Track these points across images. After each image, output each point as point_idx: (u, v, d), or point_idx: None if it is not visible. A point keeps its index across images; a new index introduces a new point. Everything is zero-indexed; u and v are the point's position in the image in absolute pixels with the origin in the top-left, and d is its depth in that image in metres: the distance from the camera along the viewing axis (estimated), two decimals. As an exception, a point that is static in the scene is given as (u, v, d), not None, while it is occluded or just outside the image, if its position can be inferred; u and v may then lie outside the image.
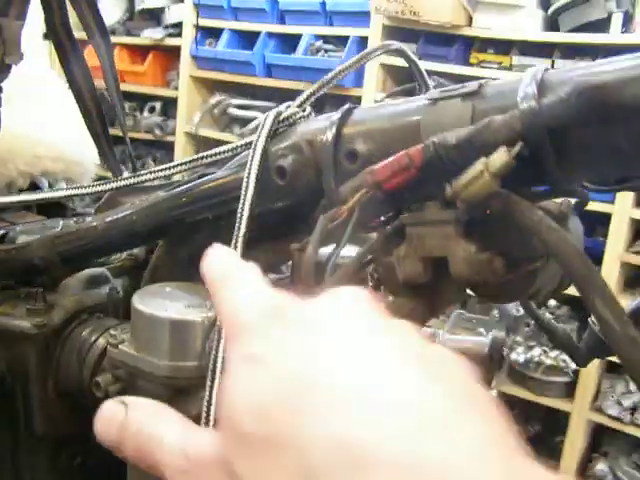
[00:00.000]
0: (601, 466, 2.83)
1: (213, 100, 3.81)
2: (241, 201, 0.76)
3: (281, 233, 0.83)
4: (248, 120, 3.68)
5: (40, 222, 1.18)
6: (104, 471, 0.99)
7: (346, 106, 0.80)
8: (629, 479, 2.76)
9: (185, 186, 0.87)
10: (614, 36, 2.69)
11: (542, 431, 3.07)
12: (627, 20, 2.69)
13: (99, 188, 0.90)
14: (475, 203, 0.63)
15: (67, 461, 0.97)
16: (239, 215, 0.76)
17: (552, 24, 2.88)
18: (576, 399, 2.83)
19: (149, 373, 0.77)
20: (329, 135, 0.76)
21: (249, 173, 0.77)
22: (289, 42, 3.57)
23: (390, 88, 3.27)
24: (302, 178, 0.77)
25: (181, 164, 0.85)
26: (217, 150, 0.84)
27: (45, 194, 0.94)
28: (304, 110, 0.86)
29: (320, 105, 3.44)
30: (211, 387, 0.72)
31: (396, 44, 0.96)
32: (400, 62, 3.04)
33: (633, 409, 2.72)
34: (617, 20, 2.67)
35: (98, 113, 1.21)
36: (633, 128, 0.59)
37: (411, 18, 2.99)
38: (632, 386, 2.74)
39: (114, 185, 0.89)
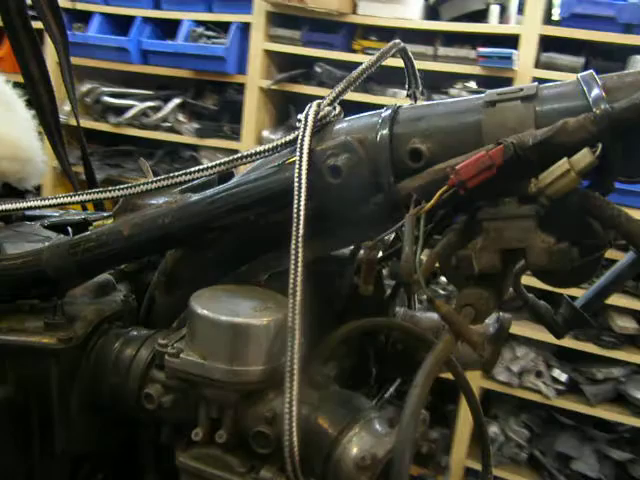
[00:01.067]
0: (493, 429, 3.04)
1: (84, 88, 3.65)
2: (295, 201, 0.78)
3: (330, 227, 0.85)
4: (124, 109, 3.56)
5: (9, 229, 1.12)
6: None
7: (395, 105, 0.83)
8: (519, 437, 2.99)
9: (221, 189, 0.86)
10: (492, 26, 2.87)
11: (435, 401, 3.24)
12: (503, 11, 2.87)
13: (119, 193, 0.87)
14: (557, 199, 0.68)
15: (88, 477, 0.94)
16: (295, 215, 0.77)
17: (433, 13, 3.01)
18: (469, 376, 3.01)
19: (218, 380, 0.77)
20: (384, 133, 0.79)
21: (300, 173, 0.79)
22: (166, 28, 3.49)
23: (273, 75, 3.28)
24: (356, 176, 0.79)
25: (217, 165, 0.85)
26: (258, 149, 0.85)
27: (62, 199, 0.89)
28: (335, 109, 0.87)
29: (200, 93, 3.41)
30: (290, 388, 0.73)
31: (402, 43, 0.99)
32: (283, 49, 3.08)
33: (520, 373, 2.95)
34: (495, 11, 2.85)
35: (52, 107, 1.16)
36: None
37: (297, 5, 3.01)
38: (518, 352, 2.97)
39: (139, 189, 0.87)
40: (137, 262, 1.03)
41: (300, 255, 0.76)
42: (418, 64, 1.04)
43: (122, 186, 0.86)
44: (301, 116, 0.84)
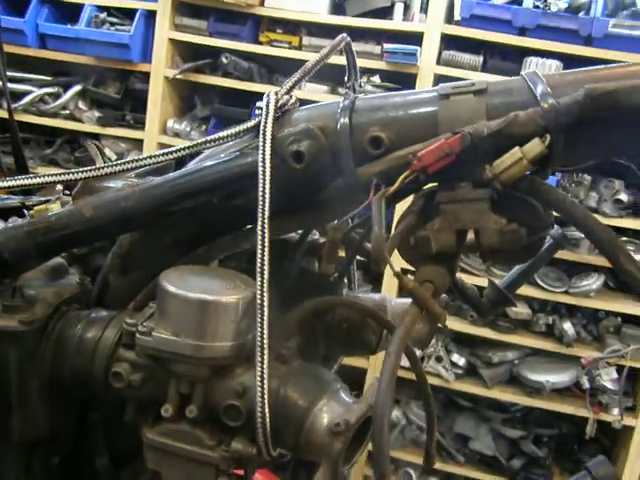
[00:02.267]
0: (395, 412, 3.15)
1: (-24, 71, 3.50)
2: (260, 184, 0.81)
3: (288, 210, 0.88)
4: (20, 94, 3.44)
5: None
6: (81, 470, 0.98)
7: (352, 95, 0.88)
8: (420, 420, 3.12)
9: (184, 172, 0.88)
10: (396, 23, 2.97)
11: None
12: (407, 9, 2.97)
13: (81, 175, 0.88)
14: (509, 184, 0.75)
15: (42, 462, 0.94)
16: (260, 197, 0.81)
17: (339, 9, 3.08)
18: (371, 358, 3.11)
19: (190, 356, 0.79)
20: (344, 122, 0.84)
21: (264, 157, 0.82)
22: (67, 12, 3.39)
23: (179, 64, 3.26)
24: (318, 161, 0.83)
25: (181, 149, 0.87)
26: (220, 134, 0.87)
27: (24, 181, 0.88)
28: (292, 97, 0.91)
29: (102, 80, 3.34)
30: (261, 361, 0.77)
31: (347, 38, 1.04)
32: (189, 38, 3.07)
33: (422, 358, 3.07)
34: (399, 9, 2.95)
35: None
36: (628, 126, 0.76)
37: (205, -5, 3.01)
38: (419, 337, 3.08)
39: (97, 172, 0.88)
40: (86, 246, 1.03)
41: (266, 236, 0.80)
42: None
43: (83, 169, 0.87)
44: (260, 104, 0.88)
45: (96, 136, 3.40)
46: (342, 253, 1.03)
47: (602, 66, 0.81)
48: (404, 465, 3.19)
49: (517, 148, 0.74)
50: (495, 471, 3.13)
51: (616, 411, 2.95)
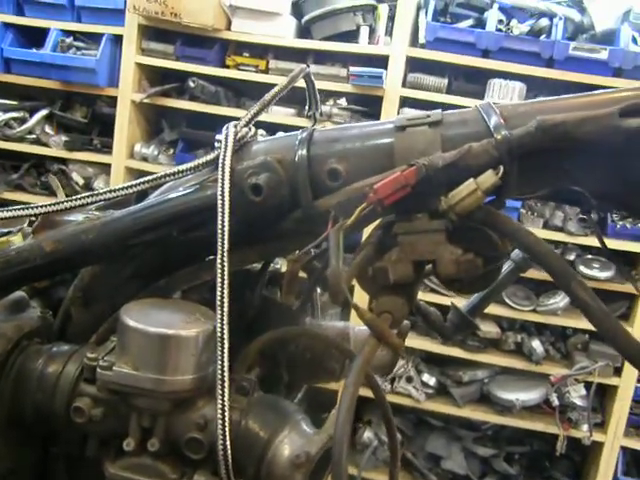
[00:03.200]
0: (367, 434, 3.15)
1: (-62, 96, 3.47)
2: (219, 216, 0.82)
3: (248, 242, 0.89)
4: (-16, 119, 3.41)
5: None
6: None
7: (310, 128, 0.89)
8: (392, 440, 3.11)
9: (144, 205, 0.89)
10: (362, 46, 3.00)
11: (308, 408, 3.32)
12: (372, 33, 3.01)
13: (40, 210, 0.88)
14: (464, 215, 0.77)
15: None
16: (220, 230, 0.82)
17: (305, 32, 3.11)
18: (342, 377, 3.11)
19: (151, 390, 0.79)
20: (302, 154, 0.85)
21: (223, 190, 0.83)
22: (31, 36, 3.38)
23: (146, 88, 3.26)
24: (276, 194, 0.84)
25: (141, 183, 0.88)
26: (180, 168, 0.88)
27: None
28: (250, 129, 0.92)
29: (68, 105, 3.33)
30: (222, 393, 0.78)
31: (307, 69, 1.05)
32: (156, 62, 3.07)
33: (392, 379, 3.08)
34: (364, 32, 2.98)
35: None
36: (579, 155, 0.78)
37: (172, 20, 3.02)
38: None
39: (57, 207, 0.88)
40: (46, 280, 1.02)
41: (226, 268, 0.81)
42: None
43: (43, 203, 0.87)
44: (220, 137, 0.89)
45: (63, 161, 3.37)
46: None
47: (554, 97, 0.83)
48: (377, 486, 3.19)
49: (471, 180, 0.76)
50: (467, 490, 3.13)
51: (585, 427, 2.98)
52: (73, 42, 3.27)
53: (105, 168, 3.32)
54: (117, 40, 3.21)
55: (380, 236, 0.82)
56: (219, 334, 0.79)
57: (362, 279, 0.81)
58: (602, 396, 3.09)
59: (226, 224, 0.81)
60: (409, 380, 3.09)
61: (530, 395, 3.03)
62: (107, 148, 3.32)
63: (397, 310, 0.79)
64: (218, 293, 0.79)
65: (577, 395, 2.99)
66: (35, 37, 3.36)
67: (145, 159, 3.26)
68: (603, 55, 2.77)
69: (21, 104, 3.43)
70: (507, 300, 2.93)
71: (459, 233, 0.79)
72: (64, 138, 3.32)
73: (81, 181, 3.30)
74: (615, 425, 2.99)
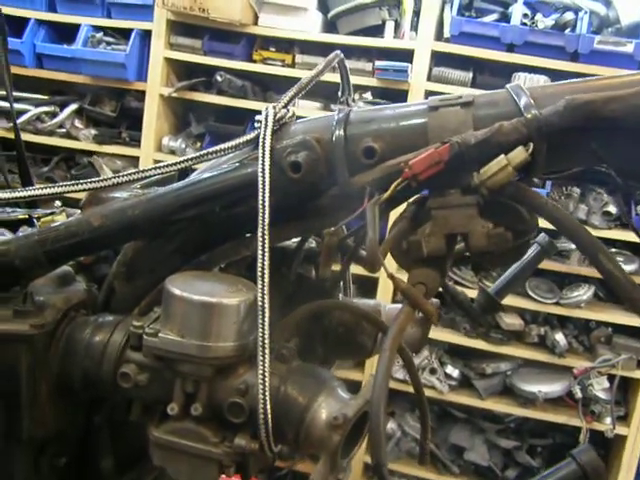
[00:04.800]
0: (390, 425, 3.18)
1: (-28, 90, 3.54)
2: (260, 193, 0.86)
3: (287, 218, 0.93)
4: (17, 113, 3.48)
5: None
6: (87, 471, 1.01)
7: (346, 108, 0.93)
8: (415, 432, 3.14)
9: (187, 182, 0.93)
10: (387, 41, 3.03)
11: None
12: (398, 27, 3.04)
13: (89, 185, 0.92)
14: (495, 190, 0.80)
15: (50, 462, 0.97)
16: (260, 205, 0.85)
17: (331, 27, 3.14)
18: (366, 370, 3.14)
19: (195, 356, 0.83)
20: (339, 133, 0.89)
21: (263, 167, 0.87)
22: (63, 32, 3.44)
23: (174, 82, 3.31)
24: (314, 171, 0.88)
25: (184, 160, 0.92)
26: (222, 146, 0.92)
27: (27, 192, 0.92)
28: (289, 111, 0.96)
29: (98, 99, 3.39)
30: (263, 360, 0.82)
31: (341, 54, 1.09)
32: (184, 57, 3.12)
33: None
34: (390, 27, 3.01)
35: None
36: (606, 135, 0.81)
37: (199, 15, 3.07)
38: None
39: (105, 183, 0.92)
40: (94, 254, 1.07)
41: (266, 241, 0.84)
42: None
43: (91, 179, 0.91)
44: (259, 117, 0.92)
45: (92, 154, 3.44)
46: (338, 267, 1.08)
47: (582, 79, 0.86)
48: (399, 477, 3.21)
49: (502, 156, 0.79)
50: (490, 482, 3.16)
51: (608, 420, 2.99)
52: (103, 37, 3.33)
53: (133, 161, 3.38)
54: (146, 35, 3.27)
55: (414, 211, 0.86)
56: (260, 303, 0.82)
57: (397, 252, 0.85)
58: (625, 389, 3.09)
59: (266, 199, 0.85)
60: (433, 372, 3.12)
61: (553, 388, 3.05)
62: (135, 141, 3.38)
63: (430, 281, 0.83)
64: (259, 264, 0.83)
65: (600, 388, 3.00)
66: (66, 33, 3.42)
67: (173, 152, 3.31)
68: (629, 48, 2.78)
69: (52, 98, 3.50)
70: (530, 293, 2.95)
71: (490, 208, 0.82)
72: (93, 132, 3.39)
73: (110, 174, 3.35)
74: (638, 418, 2.99)
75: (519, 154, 0.79)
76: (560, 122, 0.80)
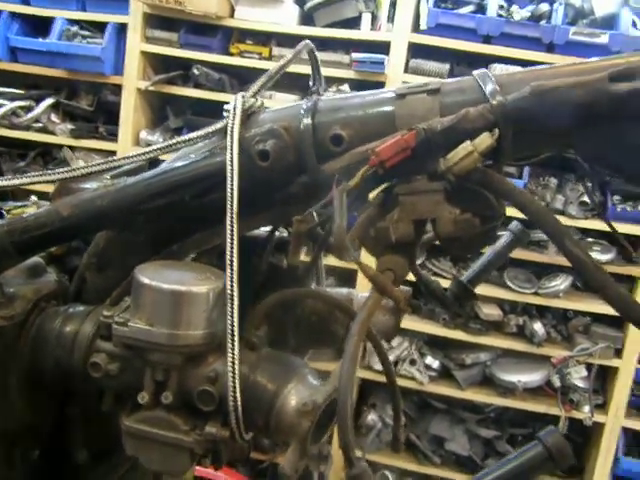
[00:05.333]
0: (371, 416, 3.20)
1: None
2: (228, 182, 0.86)
3: (256, 207, 0.93)
4: (-9, 107, 3.45)
5: None
6: (60, 463, 1.01)
7: (314, 97, 0.93)
8: (395, 421, 3.15)
9: (157, 172, 0.93)
10: (364, 33, 3.03)
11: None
12: (374, 19, 3.04)
13: (58, 176, 0.91)
14: (462, 176, 0.80)
15: (22, 455, 0.97)
16: (229, 193, 0.85)
17: (308, 19, 3.14)
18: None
19: (164, 344, 0.83)
20: (307, 121, 0.89)
21: (231, 156, 0.87)
22: (37, 26, 3.41)
23: (151, 76, 3.30)
24: (283, 159, 0.88)
25: (154, 150, 0.91)
26: (191, 136, 0.92)
27: (2, 182, 0.91)
28: (257, 100, 0.96)
29: (74, 93, 3.37)
30: (232, 347, 0.82)
31: (311, 44, 1.09)
32: (161, 50, 3.11)
33: (395, 362, 3.12)
34: (366, 19, 3.02)
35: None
36: (572, 120, 0.81)
37: (176, 7, 3.05)
38: (393, 342, 3.14)
39: (74, 173, 0.92)
40: (64, 246, 1.06)
41: (235, 229, 0.84)
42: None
43: (60, 169, 0.90)
44: (228, 106, 0.92)
45: (69, 148, 3.41)
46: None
47: (547, 65, 0.86)
48: (381, 468, 3.23)
49: (468, 142, 0.80)
50: (471, 471, 3.17)
51: (587, 409, 3.02)
52: (78, 31, 3.31)
53: (111, 155, 3.35)
54: (122, 28, 3.25)
55: (382, 198, 0.86)
56: (229, 291, 0.82)
57: (365, 239, 0.85)
58: (603, 378, 3.13)
59: (235, 188, 0.85)
60: (412, 363, 3.14)
61: (532, 377, 3.08)
62: (113, 136, 3.36)
63: (399, 268, 0.83)
64: (227, 251, 0.83)
65: (578, 377, 3.03)
66: (41, 26, 3.39)
67: (150, 146, 3.28)
68: (604, 39, 2.80)
69: (27, 93, 3.47)
70: (509, 283, 2.97)
71: (457, 194, 0.82)
72: (70, 126, 3.37)
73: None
74: (616, 406, 3.03)
75: (485, 140, 0.79)
76: (526, 108, 0.80)
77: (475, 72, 0.88)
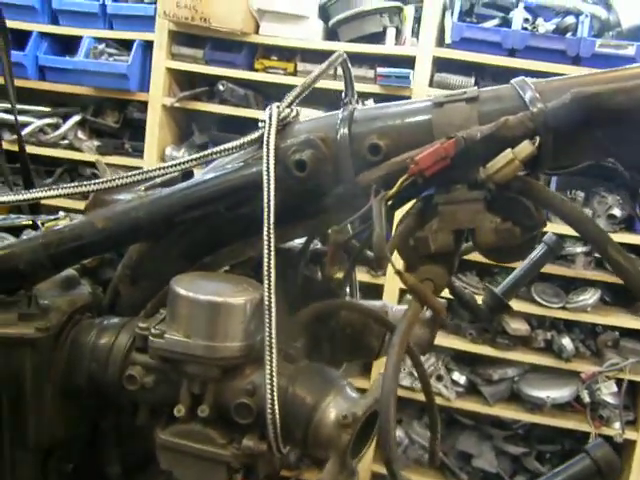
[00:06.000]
0: (398, 433, 3.16)
1: (-26, 104, 3.55)
2: (265, 192, 0.85)
3: (293, 218, 0.92)
4: (20, 125, 3.49)
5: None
6: (94, 477, 1.00)
7: (350, 107, 0.92)
8: (423, 439, 3.13)
9: (191, 183, 0.92)
10: (388, 47, 3.03)
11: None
12: (399, 34, 3.04)
13: (94, 187, 0.91)
14: (502, 184, 0.79)
15: (57, 468, 0.96)
16: (265, 204, 0.85)
17: (333, 34, 3.15)
18: (372, 376, 3.13)
19: (201, 356, 0.82)
20: (344, 132, 0.88)
21: (268, 167, 0.86)
22: (65, 44, 3.46)
23: (176, 92, 3.32)
24: (320, 170, 0.87)
25: (188, 161, 0.91)
26: (226, 146, 0.91)
27: (33, 194, 0.92)
28: (292, 111, 0.96)
29: (100, 110, 3.40)
30: (270, 360, 0.81)
31: (344, 54, 1.08)
32: (186, 67, 3.13)
33: (422, 376, 3.08)
34: (391, 34, 3.01)
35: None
36: (612, 127, 0.80)
37: (201, 24, 3.08)
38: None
39: (109, 184, 0.92)
40: (97, 258, 1.06)
41: (272, 240, 0.84)
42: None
43: (95, 181, 0.90)
44: (263, 116, 0.92)
45: (95, 165, 3.44)
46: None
47: (586, 72, 0.85)
48: (408, 485, 3.19)
49: (509, 150, 0.78)
50: (499, 489, 3.13)
51: (617, 425, 2.97)
52: (105, 49, 3.34)
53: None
54: (148, 46, 3.28)
55: (421, 207, 0.85)
56: (266, 302, 0.81)
57: (404, 249, 0.84)
58: (634, 393, 3.07)
59: (272, 198, 0.84)
60: (439, 379, 3.11)
61: (561, 393, 3.03)
62: (138, 152, 3.38)
63: (438, 278, 0.82)
64: (265, 262, 0.82)
65: (608, 392, 2.98)
66: (69, 45, 3.44)
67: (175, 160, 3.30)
68: (630, 51, 2.78)
69: (54, 110, 3.50)
70: (536, 297, 2.94)
71: (497, 203, 0.81)
72: (96, 143, 3.39)
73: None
74: (647, 422, 2.97)
75: (526, 148, 0.78)
76: (566, 115, 0.79)
77: (513, 80, 0.87)
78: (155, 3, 3.17)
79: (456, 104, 0.85)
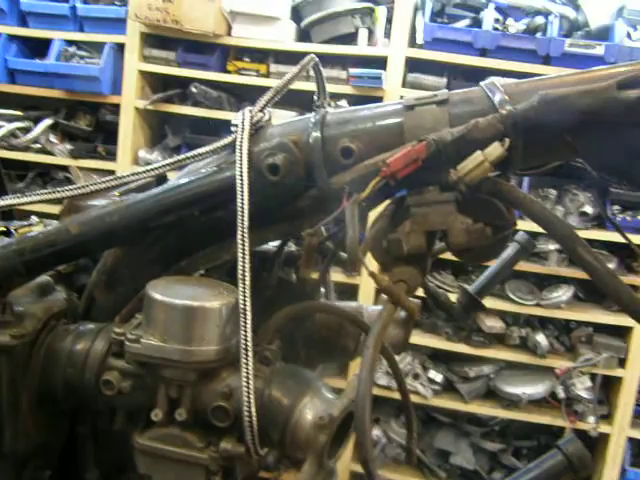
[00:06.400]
0: (375, 432, 3.17)
1: (-57, 108, 3.51)
2: (238, 196, 0.86)
3: (266, 221, 0.93)
4: (-10, 129, 3.45)
5: None
6: None
7: (322, 110, 0.93)
8: (400, 438, 3.14)
9: (166, 188, 0.93)
10: (361, 48, 3.05)
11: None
12: (371, 35, 3.06)
13: (67, 193, 0.91)
14: (473, 186, 0.80)
15: (33, 476, 0.96)
16: (240, 207, 0.85)
17: (305, 36, 3.15)
18: (349, 376, 3.14)
19: (177, 361, 0.83)
20: (316, 135, 0.89)
21: (241, 171, 0.87)
22: (35, 47, 3.42)
23: (149, 95, 3.30)
24: (293, 173, 0.88)
25: (162, 166, 0.91)
26: (199, 151, 0.92)
27: (6, 201, 0.91)
28: (265, 115, 0.96)
29: (72, 113, 3.38)
30: (246, 362, 0.81)
31: (316, 58, 1.09)
32: (158, 69, 3.12)
33: (399, 375, 3.10)
34: (363, 35, 3.03)
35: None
36: (581, 129, 0.82)
37: (173, 27, 3.07)
38: (396, 356, 3.12)
39: (83, 190, 0.92)
40: (72, 264, 1.06)
41: (246, 244, 0.84)
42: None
43: (69, 187, 0.90)
44: (236, 121, 0.92)
45: (68, 168, 3.41)
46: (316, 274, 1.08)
47: (555, 74, 0.87)
48: (386, 484, 3.21)
49: (479, 152, 0.80)
50: (476, 485, 3.16)
51: (592, 419, 3.01)
52: (76, 51, 3.32)
53: (110, 175, 3.35)
54: (119, 48, 3.26)
55: (393, 209, 0.86)
56: (242, 305, 0.82)
57: (377, 250, 0.85)
58: (607, 388, 3.11)
59: (245, 202, 0.85)
60: (416, 377, 3.12)
61: (536, 389, 3.06)
62: (111, 155, 3.36)
63: (411, 279, 0.83)
64: (239, 266, 0.83)
65: (582, 387, 3.02)
66: (38, 48, 3.40)
67: (149, 165, 3.29)
68: (599, 51, 2.82)
69: (26, 114, 3.47)
70: (511, 295, 2.97)
71: (468, 204, 0.82)
72: (69, 146, 3.37)
73: (87, 187, 3.33)
74: (621, 416, 3.01)
75: (495, 149, 0.79)
76: (535, 117, 0.80)
77: (482, 82, 0.88)
78: (126, 5, 3.16)
79: (427, 107, 0.86)
